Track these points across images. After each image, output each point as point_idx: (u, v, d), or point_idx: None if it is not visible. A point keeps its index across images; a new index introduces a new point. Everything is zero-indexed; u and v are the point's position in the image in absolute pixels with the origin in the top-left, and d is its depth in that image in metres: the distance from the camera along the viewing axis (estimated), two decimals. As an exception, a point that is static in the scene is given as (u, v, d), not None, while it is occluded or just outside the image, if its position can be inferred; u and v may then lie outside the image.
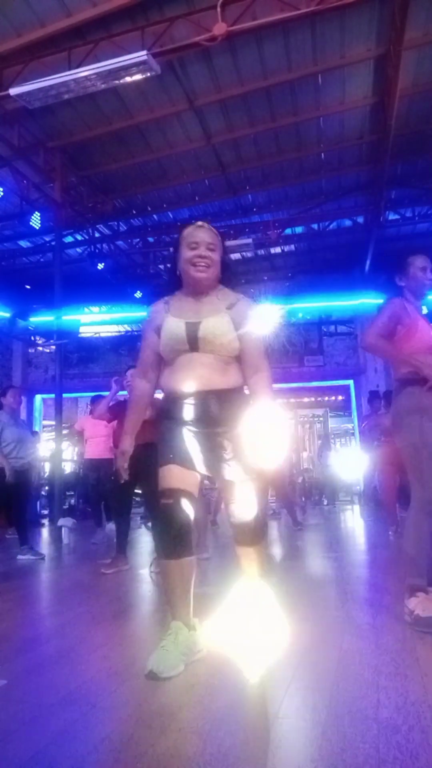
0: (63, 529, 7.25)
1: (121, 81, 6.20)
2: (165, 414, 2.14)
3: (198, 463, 2.05)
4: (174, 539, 1.95)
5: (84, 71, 6.05)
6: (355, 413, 13.59)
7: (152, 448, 4.15)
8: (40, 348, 15.54)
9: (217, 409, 2.02)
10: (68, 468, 10.52)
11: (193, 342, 2.03)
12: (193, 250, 2.08)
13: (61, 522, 7.46)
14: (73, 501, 10.09)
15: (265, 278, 14.34)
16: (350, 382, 13.70)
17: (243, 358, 2.10)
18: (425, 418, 2.48)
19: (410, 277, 2.73)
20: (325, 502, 11.10)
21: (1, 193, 8.22)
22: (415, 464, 2.50)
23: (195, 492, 2.06)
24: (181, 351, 2.05)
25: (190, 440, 2.06)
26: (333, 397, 15.63)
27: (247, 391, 2.15)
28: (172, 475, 2.01)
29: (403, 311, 2.64)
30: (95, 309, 15.34)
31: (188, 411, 2.05)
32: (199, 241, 2.09)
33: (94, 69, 6.00)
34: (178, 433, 2.07)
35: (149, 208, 11.16)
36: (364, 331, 2.71)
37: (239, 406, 2.05)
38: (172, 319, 2.08)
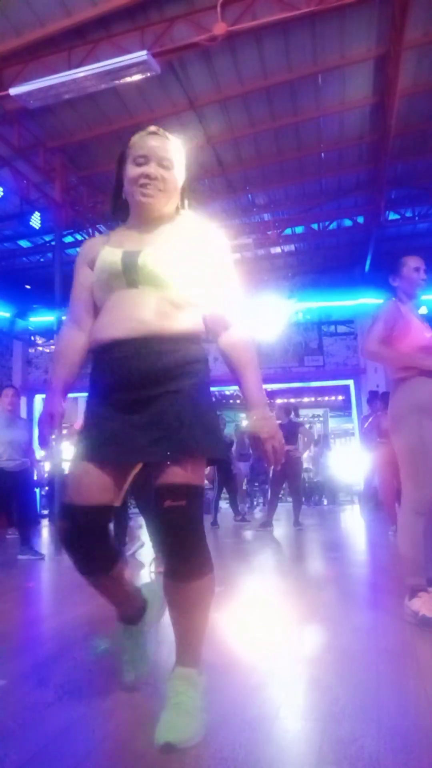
0: None
1: (121, 81, 6.20)
2: (90, 381, 1.60)
3: (130, 450, 1.47)
4: (83, 563, 1.54)
5: (84, 71, 6.05)
6: (355, 413, 13.59)
7: None
8: (40, 348, 15.54)
9: (157, 363, 1.47)
10: (68, 468, 10.54)
11: (131, 273, 1.52)
12: (141, 166, 1.56)
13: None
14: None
15: (265, 278, 14.34)
16: (350, 382, 13.71)
17: (209, 308, 1.60)
18: (424, 418, 2.48)
19: (403, 278, 2.76)
20: (325, 502, 11.11)
21: (1, 193, 8.22)
22: (411, 464, 2.49)
23: (115, 498, 1.52)
24: (116, 287, 1.54)
25: (120, 418, 1.49)
26: (333, 397, 15.65)
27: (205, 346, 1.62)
28: (81, 484, 1.48)
29: (397, 312, 2.65)
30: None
31: (116, 368, 1.49)
32: (149, 154, 1.57)
33: (94, 69, 6.00)
34: (104, 411, 1.52)
35: (149, 208, 11.16)
36: (364, 339, 2.70)
37: (188, 362, 1.52)
38: (108, 249, 1.60)
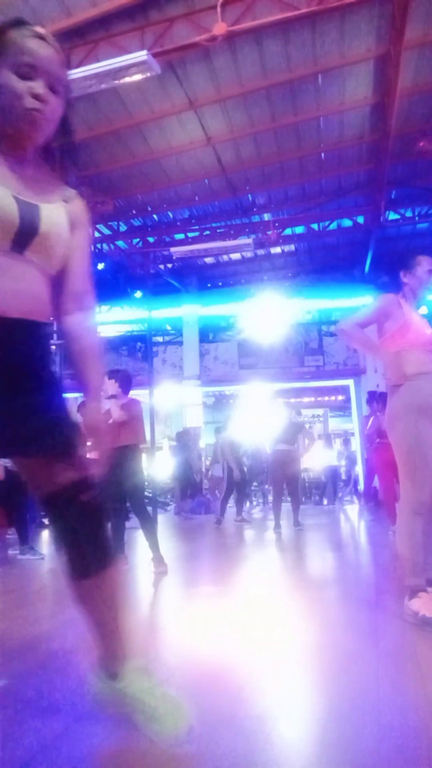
0: None
1: (121, 81, 6.20)
2: None
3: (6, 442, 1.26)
4: None
5: (84, 71, 6.04)
6: (355, 413, 13.61)
7: (130, 450, 4.26)
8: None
9: (36, 348, 1.29)
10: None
11: (27, 235, 1.22)
12: (25, 79, 1.19)
13: None
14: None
15: (265, 278, 14.34)
16: (350, 382, 13.72)
17: (66, 280, 1.38)
18: (421, 418, 2.48)
19: (415, 276, 2.77)
20: (325, 502, 11.11)
21: (1, 193, 8.23)
22: (407, 464, 2.50)
23: None
24: None
25: None
26: (333, 397, 15.67)
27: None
28: None
29: (395, 307, 2.67)
30: (95, 309, 15.35)
31: None
32: (38, 65, 1.20)
33: (94, 69, 5.99)
34: None
35: (149, 208, 11.17)
36: (345, 318, 2.77)
37: (52, 350, 1.37)
38: None
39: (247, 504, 10.40)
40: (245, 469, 8.08)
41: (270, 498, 11.74)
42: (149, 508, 4.74)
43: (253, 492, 11.94)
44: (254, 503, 11.43)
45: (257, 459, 11.49)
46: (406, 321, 2.62)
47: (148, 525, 4.27)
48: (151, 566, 4.13)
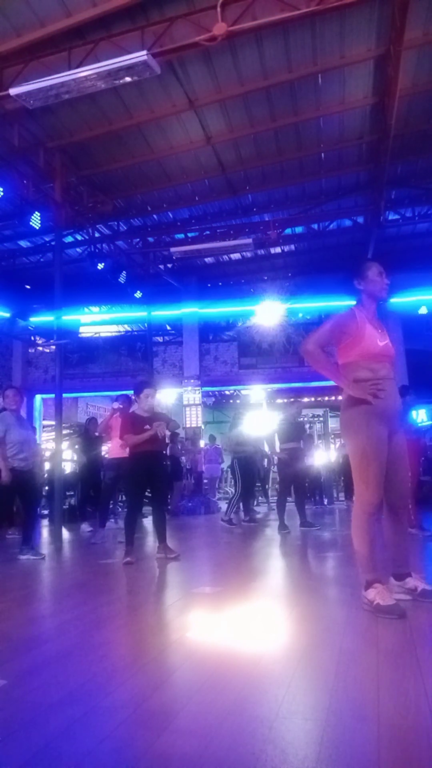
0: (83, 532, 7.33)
1: (121, 81, 6.19)
2: None
3: None
4: None
5: (84, 71, 6.04)
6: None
7: (162, 454, 4.75)
8: (40, 348, 15.56)
9: None
10: (68, 468, 10.51)
11: None
12: None
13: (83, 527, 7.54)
14: (73, 501, 10.09)
15: (265, 278, 14.34)
16: (350, 382, 13.75)
17: None
18: (372, 421, 2.62)
19: (368, 280, 2.82)
20: (325, 502, 11.10)
21: (1, 193, 8.22)
22: (360, 465, 2.63)
23: None
24: None
25: None
26: (333, 397, 15.64)
27: None
28: None
29: (351, 320, 2.75)
30: (95, 309, 15.36)
31: None
32: None
33: (94, 69, 5.98)
34: None
35: (149, 208, 11.16)
36: (307, 336, 2.85)
37: None
38: None
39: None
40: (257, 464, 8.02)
41: (271, 497, 11.75)
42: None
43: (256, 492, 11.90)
44: (256, 503, 11.40)
45: (254, 459, 11.45)
46: (357, 335, 2.72)
47: (164, 517, 4.89)
48: (163, 552, 4.59)
